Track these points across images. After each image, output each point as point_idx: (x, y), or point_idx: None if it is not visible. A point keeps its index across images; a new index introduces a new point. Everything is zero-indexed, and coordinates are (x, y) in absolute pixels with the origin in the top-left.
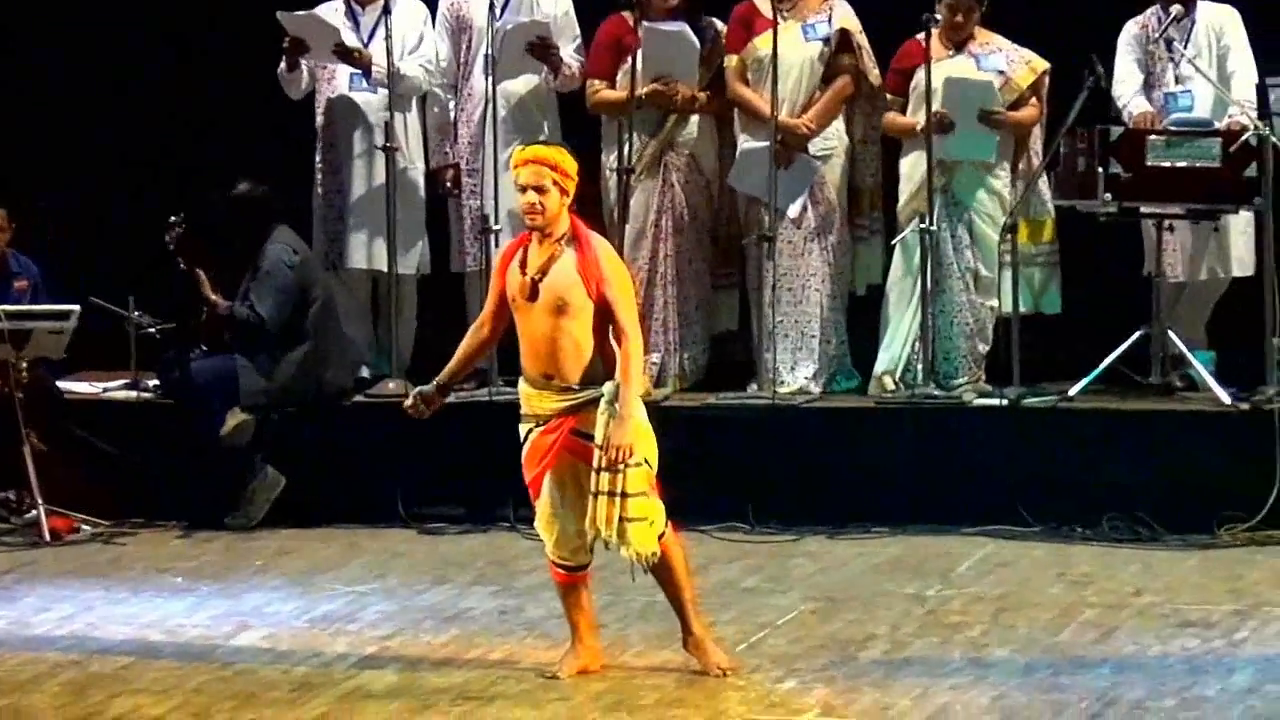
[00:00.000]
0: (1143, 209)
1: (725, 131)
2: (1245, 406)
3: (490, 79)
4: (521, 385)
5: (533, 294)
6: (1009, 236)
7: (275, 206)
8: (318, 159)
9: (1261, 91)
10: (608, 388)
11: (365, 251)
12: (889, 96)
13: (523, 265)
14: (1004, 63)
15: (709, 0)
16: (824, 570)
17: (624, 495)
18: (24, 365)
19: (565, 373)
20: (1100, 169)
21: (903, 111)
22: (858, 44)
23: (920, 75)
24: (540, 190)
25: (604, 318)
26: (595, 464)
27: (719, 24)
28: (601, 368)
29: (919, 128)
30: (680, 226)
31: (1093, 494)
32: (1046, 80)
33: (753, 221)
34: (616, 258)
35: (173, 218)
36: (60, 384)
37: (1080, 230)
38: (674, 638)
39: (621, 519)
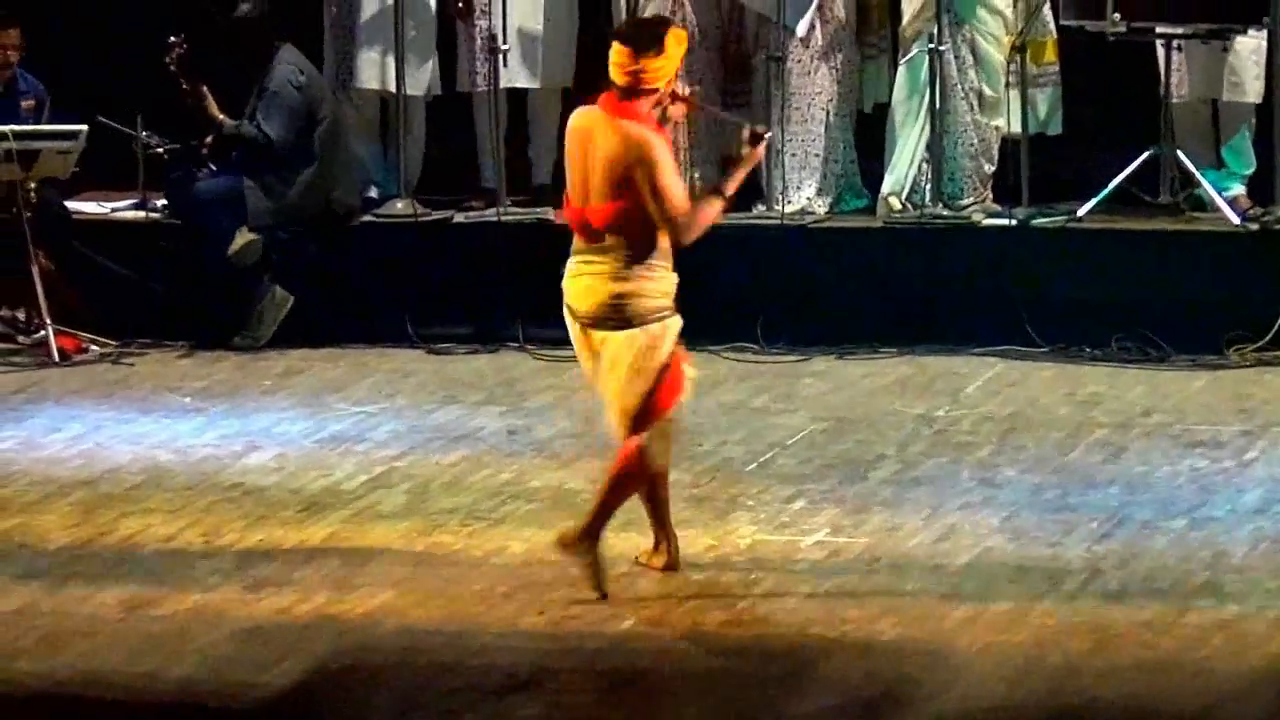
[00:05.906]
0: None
1: None
2: (1254, 227)
3: None
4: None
5: None
6: (1017, 57)
7: (277, 26)
8: None
9: None
10: None
11: (376, 71)
12: None
13: None
14: None
15: None
16: (833, 390)
17: None
18: (32, 185)
19: None
20: None
21: None
22: None
23: None
24: None
25: None
26: None
27: None
28: None
29: None
30: (691, 46)
31: (1101, 314)
32: None
33: (763, 41)
34: None
35: (172, 38)
36: (68, 204)
37: (1088, 49)
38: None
39: None
